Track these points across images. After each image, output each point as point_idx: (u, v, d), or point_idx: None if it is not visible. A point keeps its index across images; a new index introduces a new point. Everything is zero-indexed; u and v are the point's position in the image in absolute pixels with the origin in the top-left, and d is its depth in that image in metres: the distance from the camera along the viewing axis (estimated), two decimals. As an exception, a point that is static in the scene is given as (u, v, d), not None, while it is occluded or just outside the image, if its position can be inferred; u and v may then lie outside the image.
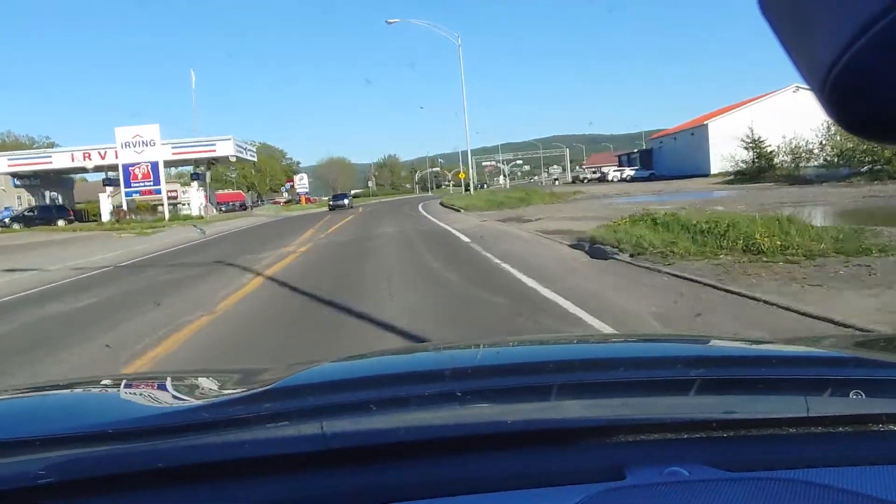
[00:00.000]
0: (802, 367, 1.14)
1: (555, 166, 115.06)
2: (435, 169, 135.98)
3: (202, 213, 43.20)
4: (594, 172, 79.90)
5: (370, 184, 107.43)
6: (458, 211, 26.71)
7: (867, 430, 0.86)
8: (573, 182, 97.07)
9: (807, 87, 0.38)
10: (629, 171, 60.46)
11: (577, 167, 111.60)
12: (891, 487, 0.74)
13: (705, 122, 53.00)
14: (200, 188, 44.66)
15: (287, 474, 0.79)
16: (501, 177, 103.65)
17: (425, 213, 26.60)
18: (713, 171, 47.98)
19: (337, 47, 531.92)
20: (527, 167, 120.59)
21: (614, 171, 64.72)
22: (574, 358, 1.34)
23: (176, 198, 43.98)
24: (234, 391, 1.19)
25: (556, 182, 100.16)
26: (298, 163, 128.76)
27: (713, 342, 1.75)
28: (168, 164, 43.83)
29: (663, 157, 62.39)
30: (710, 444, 0.84)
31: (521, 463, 0.82)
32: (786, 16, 0.38)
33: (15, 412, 1.18)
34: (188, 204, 43.93)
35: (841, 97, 0.36)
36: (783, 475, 0.75)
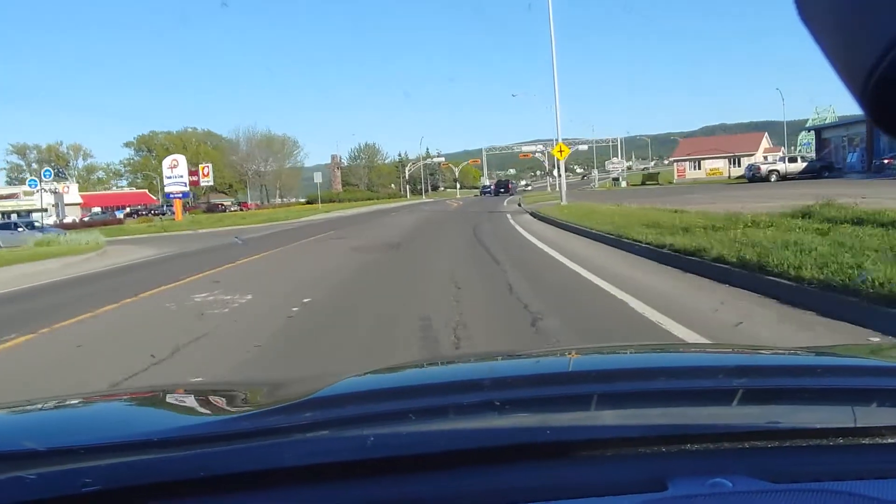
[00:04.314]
0: (849, 377, 1.09)
1: (616, 159, 79.51)
2: (439, 159, 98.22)
3: None
4: (802, 159, 40.27)
5: (317, 178, 55.43)
6: None
7: None
8: (644, 183, 60.97)
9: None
10: None
11: (646, 161, 77.94)
12: None
13: None
14: None
15: (327, 483, 0.80)
16: (557, 171, 67.55)
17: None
18: None
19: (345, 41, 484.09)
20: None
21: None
22: (613, 368, 1.33)
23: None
24: (273, 401, 1.17)
25: (621, 182, 64.91)
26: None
27: (755, 352, 1.69)
28: None
29: None
30: (755, 455, 0.83)
31: (562, 474, 0.81)
32: (825, 23, 0.38)
33: (57, 421, 1.20)
34: None
35: (882, 102, 0.36)
36: (830, 487, 0.73)
